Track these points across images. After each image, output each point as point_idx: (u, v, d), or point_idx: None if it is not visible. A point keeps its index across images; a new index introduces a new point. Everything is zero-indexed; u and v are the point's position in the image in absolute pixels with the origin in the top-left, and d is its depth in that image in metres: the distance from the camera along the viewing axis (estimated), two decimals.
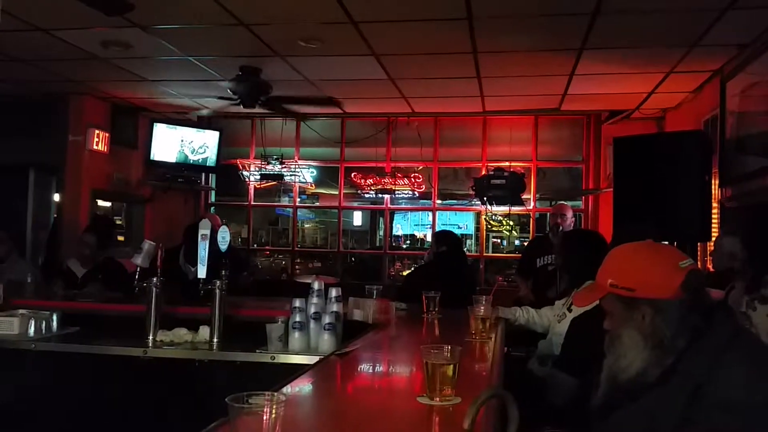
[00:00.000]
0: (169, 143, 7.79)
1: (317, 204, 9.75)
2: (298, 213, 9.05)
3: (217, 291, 3.05)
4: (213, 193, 8.90)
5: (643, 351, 1.63)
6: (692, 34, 4.74)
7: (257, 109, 6.74)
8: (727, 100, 5.35)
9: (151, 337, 3.05)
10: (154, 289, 3.09)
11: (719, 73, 5.56)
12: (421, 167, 8.28)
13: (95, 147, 7.17)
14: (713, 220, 5.28)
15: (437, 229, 8.38)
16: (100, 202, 7.76)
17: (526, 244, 7.68)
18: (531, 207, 8.05)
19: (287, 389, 1.79)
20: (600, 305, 1.78)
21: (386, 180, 8.16)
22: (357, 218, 11.46)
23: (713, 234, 5.07)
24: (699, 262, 5.73)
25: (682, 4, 4.23)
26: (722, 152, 5.37)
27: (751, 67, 4.91)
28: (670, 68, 5.60)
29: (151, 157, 7.74)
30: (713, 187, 5.27)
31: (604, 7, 4.24)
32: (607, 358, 1.74)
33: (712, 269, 4.46)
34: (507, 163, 7.74)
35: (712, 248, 4.48)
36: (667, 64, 5.50)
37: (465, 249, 8.03)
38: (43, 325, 3.14)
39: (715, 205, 5.35)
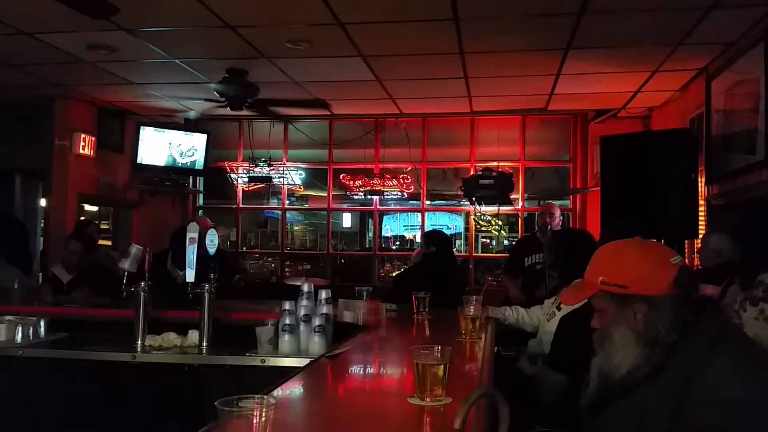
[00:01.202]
0: (157, 147, 7.74)
1: (306, 206, 9.75)
2: (287, 215, 9.04)
3: (206, 294, 3.03)
4: (201, 196, 8.86)
5: (635, 349, 1.62)
6: (677, 32, 4.77)
7: (245, 112, 6.72)
8: (712, 98, 5.39)
9: (139, 342, 3.03)
10: (142, 293, 3.07)
11: (704, 72, 5.60)
12: (409, 168, 8.29)
13: (81, 151, 7.11)
14: (700, 218, 5.31)
15: (427, 229, 8.41)
16: (87, 207, 7.71)
17: (514, 243, 7.70)
18: (519, 207, 8.08)
19: (277, 392, 1.78)
20: (589, 303, 1.78)
21: (375, 181, 8.17)
22: (346, 220, 11.47)
23: (700, 231, 5.11)
24: (686, 259, 5.76)
25: (667, 3, 4.25)
26: (708, 150, 5.41)
27: (735, 65, 4.95)
28: (656, 67, 5.64)
29: (139, 161, 7.68)
30: (700, 184, 5.30)
31: (589, 7, 4.26)
32: (597, 356, 1.73)
33: (699, 266, 4.48)
34: (495, 163, 7.76)
35: (700, 245, 4.51)
36: (652, 62, 5.54)
37: (454, 249, 8.07)
38: (31, 331, 3.11)
39: (701, 202, 5.38)
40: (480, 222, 8.48)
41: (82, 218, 7.24)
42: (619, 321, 1.66)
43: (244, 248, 9.23)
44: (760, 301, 2.79)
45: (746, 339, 1.70)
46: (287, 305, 2.87)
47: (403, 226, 11.23)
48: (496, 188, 7.41)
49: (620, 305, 1.65)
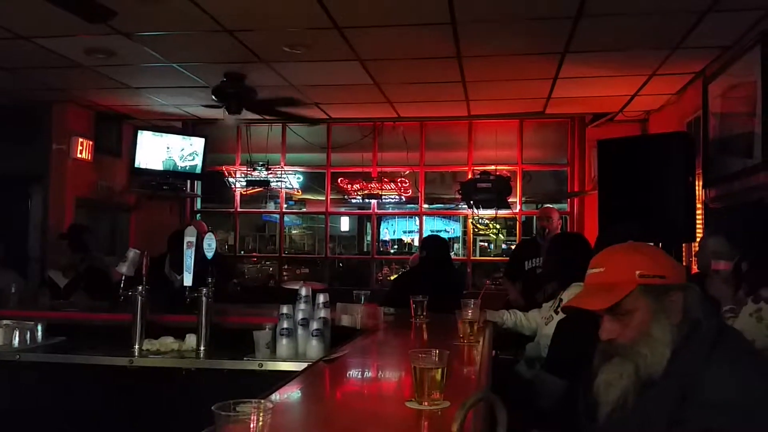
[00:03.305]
0: (155, 150, 7.74)
1: (304, 210, 9.74)
2: (285, 219, 9.03)
3: (204, 298, 3.03)
4: (199, 200, 8.86)
5: (671, 341, 1.60)
6: (674, 36, 4.79)
7: (242, 116, 6.72)
8: (709, 101, 5.40)
9: (137, 346, 3.02)
10: (139, 297, 3.06)
11: (701, 75, 5.61)
12: (407, 172, 8.29)
13: (79, 155, 7.12)
14: (698, 221, 5.32)
15: (425, 233, 8.41)
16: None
17: (513, 247, 7.70)
18: (517, 210, 8.08)
19: (275, 396, 1.78)
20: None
21: (373, 185, 8.17)
22: (344, 224, 11.44)
23: (698, 234, 5.11)
24: (684, 263, 5.77)
25: (664, 7, 4.27)
26: (705, 153, 5.42)
27: (732, 68, 4.97)
28: (653, 71, 5.65)
29: (136, 165, 7.69)
30: (697, 187, 5.31)
31: (586, 11, 4.27)
32: (625, 366, 1.63)
33: (696, 269, 4.48)
34: (493, 167, 7.77)
35: (697, 249, 4.51)
36: (649, 66, 5.55)
37: (452, 253, 8.06)
38: (28, 335, 3.10)
39: (699, 205, 5.39)
40: (478, 226, 8.48)
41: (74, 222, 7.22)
42: (658, 314, 1.63)
43: (242, 252, 9.22)
44: (762, 301, 2.78)
45: (744, 341, 1.70)
46: (285, 309, 2.87)
47: (401, 230, 11.23)
48: (494, 192, 7.41)
49: (660, 297, 1.63)
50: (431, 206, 8.96)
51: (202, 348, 3.01)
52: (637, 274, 1.64)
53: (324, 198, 8.62)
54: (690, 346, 1.58)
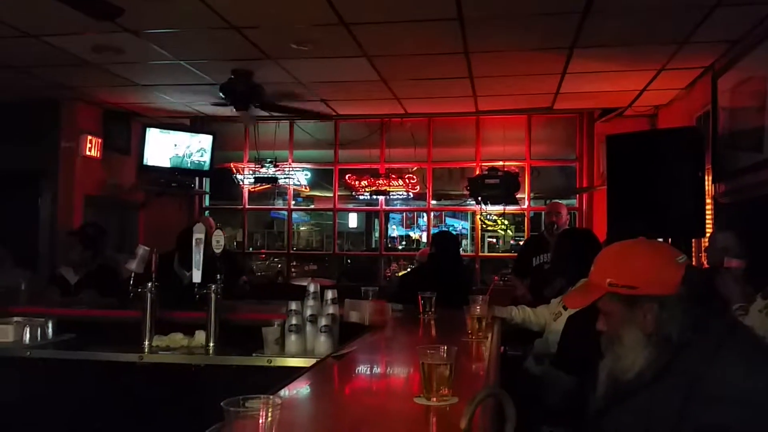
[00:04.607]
0: (163, 148, 7.76)
1: (312, 206, 9.75)
2: (293, 216, 9.04)
3: (213, 295, 3.04)
4: (207, 197, 8.88)
5: (644, 350, 1.61)
6: (683, 30, 4.76)
7: (250, 112, 6.73)
8: (718, 96, 5.37)
9: (147, 343, 3.03)
10: (149, 294, 3.08)
11: (710, 70, 5.58)
12: (415, 168, 8.29)
13: (88, 153, 7.15)
14: (707, 216, 5.29)
15: (432, 229, 8.41)
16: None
17: (521, 243, 7.69)
18: (525, 206, 8.07)
19: (284, 392, 1.78)
20: (594, 303, 1.77)
21: (380, 181, 8.16)
22: (352, 220, 11.46)
23: (708, 230, 5.09)
24: (694, 258, 5.75)
25: (672, 2, 4.24)
26: (715, 148, 5.38)
27: (741, 63, 4.93)
28: (662, 65, 5.62)
29: (145, 162, 7.71)
30: (707, 183, 5.28)
31: (594, 6, 4.25)
32: (605, 359, 1.71)
33: (706, 265, 4.47)
34: (501, 163, 7.75)
35: (707, 244, 4.49)
36: (658, 61, 5.52)
37: (461, 249, 8.05)
38: (39, 332, 3.12)
39: (708, 201, 5.36)
40: (486, 222, 8.46)
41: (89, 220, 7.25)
42: (629, 322, 1.64)
43: (251, 249, 9.25)
44: None
45: (754, 337, 1.69)
46: (293, 305, 2.88)
47: (405, 229, 11.24)
48: (502, 188, 7.41)
49: (630, 306, 1.64)
50: (439, 202, 8.95)
51: (211, 344, 3.02)
52: (607, 281, 1.66)
53: (332, 194, 8.63)
54: (696, 342, 1.57)
